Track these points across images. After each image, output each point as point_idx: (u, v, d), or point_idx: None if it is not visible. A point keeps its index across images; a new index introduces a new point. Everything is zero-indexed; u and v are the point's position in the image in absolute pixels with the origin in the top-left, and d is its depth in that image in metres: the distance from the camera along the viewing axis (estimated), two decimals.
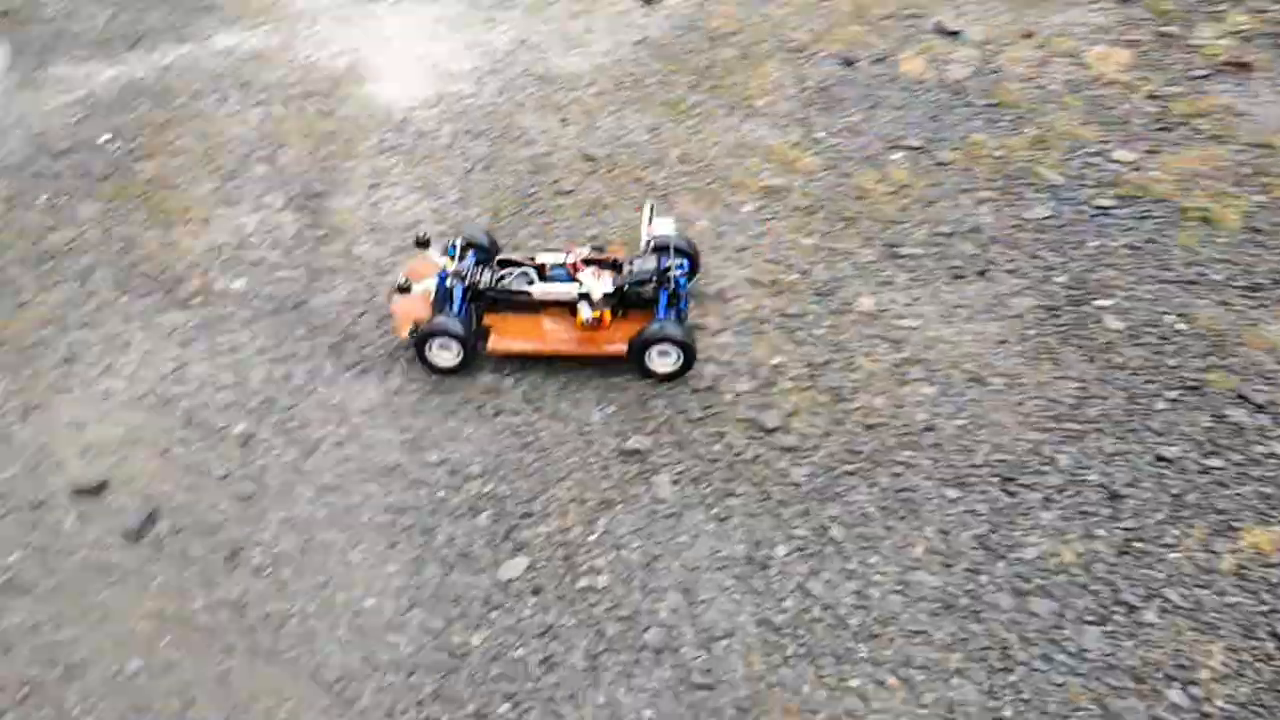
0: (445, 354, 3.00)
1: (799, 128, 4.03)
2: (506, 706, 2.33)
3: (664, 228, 3.13)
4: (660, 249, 3.06)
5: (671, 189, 3.75)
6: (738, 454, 2.85)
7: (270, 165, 3.86)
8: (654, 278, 2.99)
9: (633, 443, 2.87)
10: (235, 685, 2.37)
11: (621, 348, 2.98)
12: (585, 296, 2.98)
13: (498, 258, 3.17)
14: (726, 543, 2.64)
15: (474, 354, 3.03)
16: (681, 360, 2.95)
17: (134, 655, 2.41)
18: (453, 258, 3.10)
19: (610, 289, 2.98)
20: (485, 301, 3.13)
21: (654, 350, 2.93)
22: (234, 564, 2.60)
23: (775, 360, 3.10)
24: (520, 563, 2.61)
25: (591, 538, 2.66)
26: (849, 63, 4.38)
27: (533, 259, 3.14)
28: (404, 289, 3.00)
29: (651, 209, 3.24)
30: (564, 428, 2.94)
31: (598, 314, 2.98)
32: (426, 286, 3.09)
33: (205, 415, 2.96)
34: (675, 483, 2.78)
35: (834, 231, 3.55)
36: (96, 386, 3.04)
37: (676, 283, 3.03)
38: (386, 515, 2.72)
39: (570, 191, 3.76)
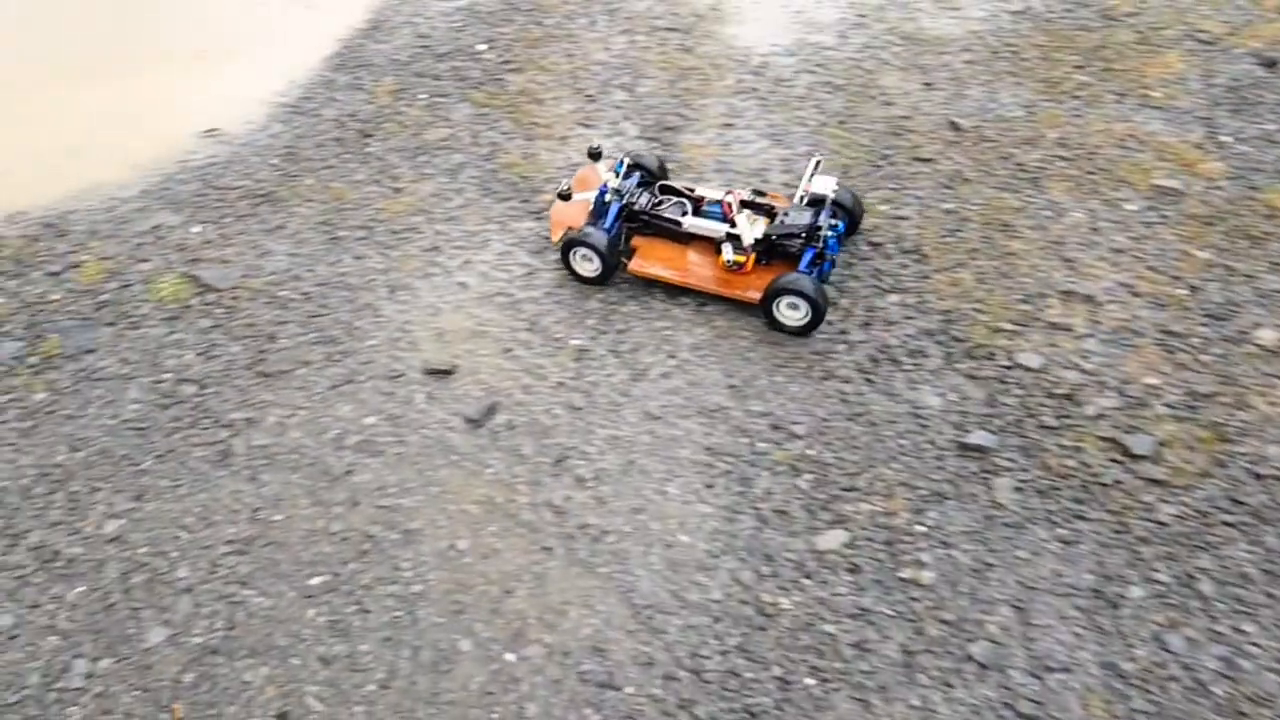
0: (587, 264, 3.06)
1: (1201, 127, 3.54)
2: (812, 681, 2.23)
3: (823, 185, 2.97)
4: (817, 205, 2.95)
5: (1045, 173, 3.42)
6: (1094, 475, 2.56)
7: (629, 93, 3.91)
8: (803, 234, 2.89)
9: (975, 438, 2.65)
10: (550, 587, 2.43)
11: (756, 295, 2.90)
12: (733, 238, 2.94)
13: (659, 183, 3.17)
14: (1072, 568, 2.38)
15: (614, 269, 3.06)
16: (810, 316, 2.84)
17: (463, 535, 2.54)
18: (618, 175, 3.11)
19: (759, 235, 2.91)
20: (638, 223, 3.13)
21: (784, 301, 2.84)
22: (559, 469, 2.67)
23: (1149, 380, 2.75)
24: (838, 536, 2.49)
25: (918, 528, 2.48)
26: (1270, 64, 3.79)
27: (692, 190, 3.10)
28: (564, 196, 3.06)
29: (816, 164, 3.07)
30: (897, 406, 2.77)
31: (740, 258, 2.93)
32: (587, 197, 3.14)
33: (547, 323, 3.05)
34: (1018, 490, 2.54)
35: (1235, 249, 3.09)
36: (454, 278, 3.22)
37: (825, 242, 2.89)
38: (705, 455, 2.69)
39: (929, 160, 3.52)
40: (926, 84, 3.87)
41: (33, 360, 2.95)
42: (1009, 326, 2.95)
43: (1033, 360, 2.85)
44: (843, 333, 2.96)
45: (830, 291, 3.07)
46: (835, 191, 3.01)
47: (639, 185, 3.16)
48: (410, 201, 3.50)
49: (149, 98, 4.00)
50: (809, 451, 2.67)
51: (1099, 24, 4.10)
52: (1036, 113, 3.68)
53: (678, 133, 3.72)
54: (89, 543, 2.51)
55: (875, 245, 3.23)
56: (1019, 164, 3.47)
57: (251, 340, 3.02)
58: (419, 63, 4.15)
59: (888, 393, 2.81)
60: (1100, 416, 2.68)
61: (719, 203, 3.06)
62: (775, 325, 2.95)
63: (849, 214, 3.12)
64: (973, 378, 2.81)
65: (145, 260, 3.28)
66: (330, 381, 2.91)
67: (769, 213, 3.03)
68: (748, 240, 2.94)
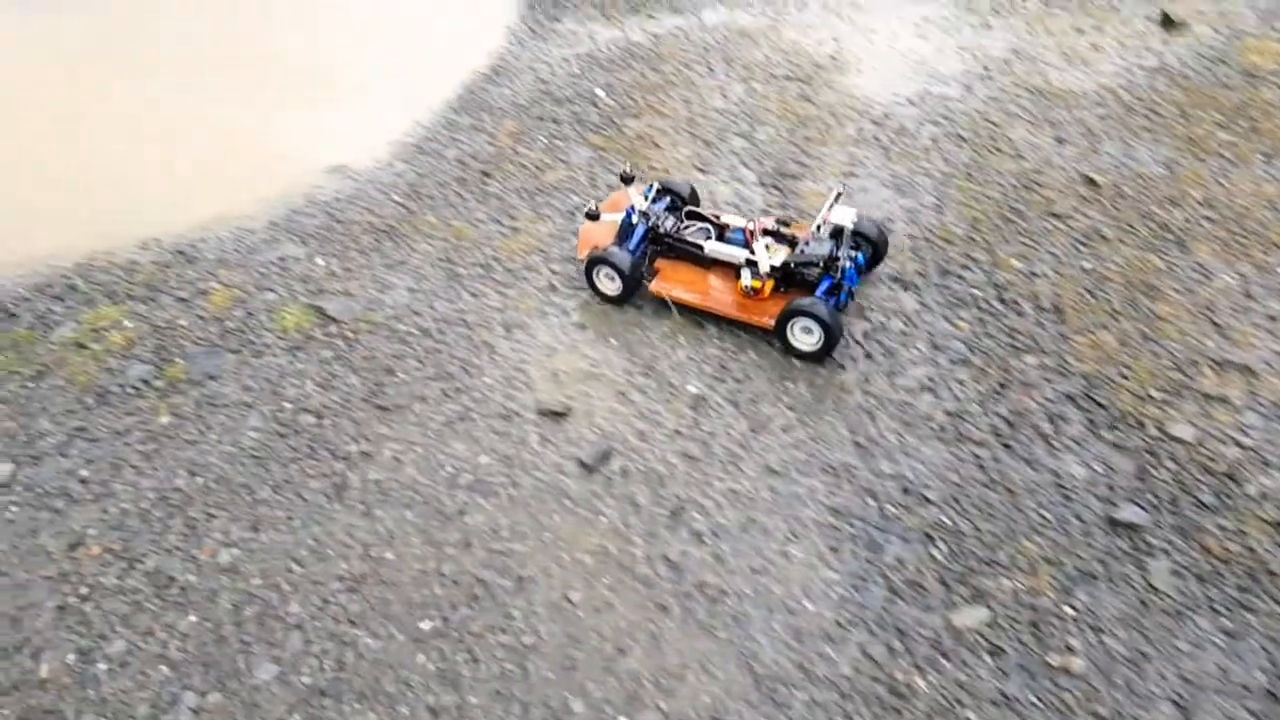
0: (610, 283, 3.10)
1: None
2: None
3: (843, 215, 2.93)
4: (837, 236, 2.94)
5: (1190, 233, 3.24)
6: (1261, 561, 2.35)
7: (747, 140, 3.86)
8: (820, 263, 2.89)
9: (1125, 514, 2.47)
10: (666, 648, 2.32)
11: (770, 320, 2.89)
12: (752, 264, 2.93)
13: (686, 209, 3.19)
14: (1241, 665, 2.17)
15: (635, 289, 3.09)
16: (823, 341, 2.81)
17: (576, 586, 2.45)
18: (648, 199, 3.14)
19: (777, 263, 2.91)
20: (663, 246, 3.16)
21: (797, 324, 2.81)
22: (676, 522, 2.57)
23: None
24: (978, 614, 2.32)
25: (1067, 610, 2.30)
26: None
27: (717, 217, 3.13)
28: (592, 216, 3.08)
29: (837, 196, 3.02)
30: (1038, 475, 2.60)
31: (758, 284, 2.93)
32: (615, 219, 3.16)
33: (662, 367, 2.98)
34: (1176, 574, 2.35)
35: None
36: (570, 318, 3.18)
37: (843, 272, 2.87)
38: (830, 516, 2.56)
39: (1063, 216, 3.37)
40: (1058, 138, 3.73)
41: (159, 384, 3.00)
42: (1158, 395, 2.76)
43: (1186, 432, 2.65)
44: (978, 393, 2.82)
45: (959, 348, 2.93)
46: (855, 222, 2.98)
47: (667, 210, 3.23)
48: (528, 241, 3.49)
49: (280, 134, 4.10)
50: (943, 519, 2.52)
51: (1241, 82, 3.91)
52: (1178, 171, 3.50)
53: (798, 180, 3.64)
54: (203, 571, 2.51)
55: (1008, 302, 3.08)
56: (1161, 223, 3.30)
57: (370, 373, 3.02)
58: (539, 107, 4.19)
59: (1027, 459, 2.64)
60: (1264, 497, 2.47)
61: (742, 230, 3.07)
62: (790, 350, 2.94)
63: (872, 245, 3.09)
64: (1120, 448, 2.63)
65: (271, 290, 3.32)
66: (445, 418, 2.88)
67: (791, 242, 3.04)
68: (764, 266, 2.94)
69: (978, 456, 2.66)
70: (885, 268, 3.22)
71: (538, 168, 3.84)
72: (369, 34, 4.85)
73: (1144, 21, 4.36)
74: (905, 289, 3.17)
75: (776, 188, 3.62)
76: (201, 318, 3.23)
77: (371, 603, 2.43)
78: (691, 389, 2.92)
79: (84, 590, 2.46)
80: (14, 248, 3.56)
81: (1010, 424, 2.73)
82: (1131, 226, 3.30)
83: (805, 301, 2.83)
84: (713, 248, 3.09)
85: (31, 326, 3.21)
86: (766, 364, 2.96)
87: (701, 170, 3.73)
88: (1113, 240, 3.26)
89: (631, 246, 3.13)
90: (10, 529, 2.61)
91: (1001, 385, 2.84)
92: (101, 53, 4.77)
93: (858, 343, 3.00)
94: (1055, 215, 3.38)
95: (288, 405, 2.93)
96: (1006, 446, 2.68)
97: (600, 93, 4.22)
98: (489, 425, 2.86)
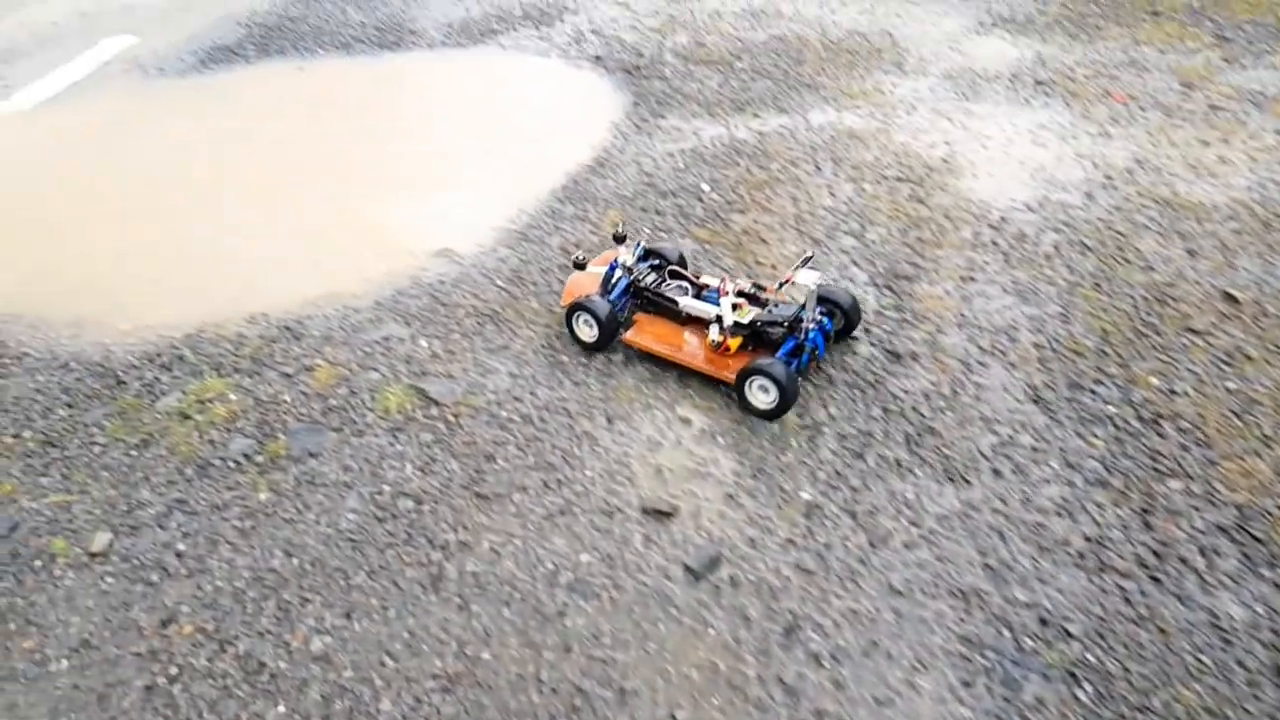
0: (587, 329, 3.22)
1: None
2: None
3: (807, 278, 2.97)
4: (809, 299, 3.01)
5: None
6: None
7: (857, 240, 3.78)
8: (785, 324, 2.96)
9: None
10: None
11: (732, 375, 2.96)
12: (720, 319, 3.01)
13: (670, 268, 3.32)
14: None
15: (611, 337, 3.20)
16: (778, 401, 2.86)
17: (683, 704, 2.28)
18: (635, 256, 3.32)
19: (744, 321, 3.00)
20: (643, 300, 3.29)
21: (755, 382, 2.87)
22: (790, 640, 2.39)
23: None
24: None
25: None
26: None
27: (697, 277, 3.25)
28: (579, 265, 3.27)
29: (805, 260, 3.07)
30: (1192, 614, 2.37)
31: (722, 338, 3.02)
32: (602, 271, 3.34)
33: (773, 470, 2.84)
34: None
35: None
36: (675, 411, 3.07)
37: (806, 334, 2.93)
38: (961, 645, 2.35)
39: (1201, 333, 3.18)
40: (1189, 251, 3.57)
41: (260, 459, 2.96)
42: None
43: None
44: (1119, 517, 2.61)
45: (1095, 467, 2.74)
46: (818, 285, 3.03)
47: (652, 268, 3.38)
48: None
49: (389, 219, 4.17)
50: (1087, 656, 2.30)
51: None
52: None
53: (912, 282, 3.53)
54: (295, 659, 2.40)
55: (1147, 421, 2.88)
56: None
57: (470, 459, 2.94)
58: (643, 199, 4.19)
59: (1178, 595, 2.41)
60: None
61: (715, 290, 3.20)
62: (746, 408, 3.00)
63: (844, 314, 3.16)
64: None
65: (374, 369, 3.30)
66: (545, 510, 2.77)
67: (762, 304, 3.13)
68: (728, 321, 3.04)
69: (1122, 588, 2.44)
70: (1007, 377, 3.07)
71: None
72: (478, 127, 4.96)
73: (1274, 136, 4.21)
74: (1034, 402, 3.00)
75: (890, 288, 3.51)
76: (305, 394, 3.22)
77: (466, 705, 2.28)
78: (805, 495, 2.77)
79: (173, 670, 2.37)
80: (129, 315, 3.63)
81: (1157, 555, 2.51)
82: (1278, 347, 3.10)
83: (764, 361, 2.92)
84: (686, 303, 3.22)
85: (139, 395, 3.23)
86: (886, 472, 2.80)
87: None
88: (1258, 360, 3.06)
89: (612, 297, 3.29)
90: (104, 600, 2.55)
91: (1145, 511, 2.63)
92: (231, 137, 4.97)
93: (984, 457, 2.83)
94: (1193, 331, 3.20)
95: (387, 488, 2.86)
96: (1154, 579, 2.45)
97: (705, 187, 4.21)
98: (590, 521, 2.74)
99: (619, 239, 3.36)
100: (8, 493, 2.86)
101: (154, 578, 2.60)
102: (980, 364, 3.16)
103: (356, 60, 5.83)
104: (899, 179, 4.13)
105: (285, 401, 3.18)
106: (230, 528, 2.74)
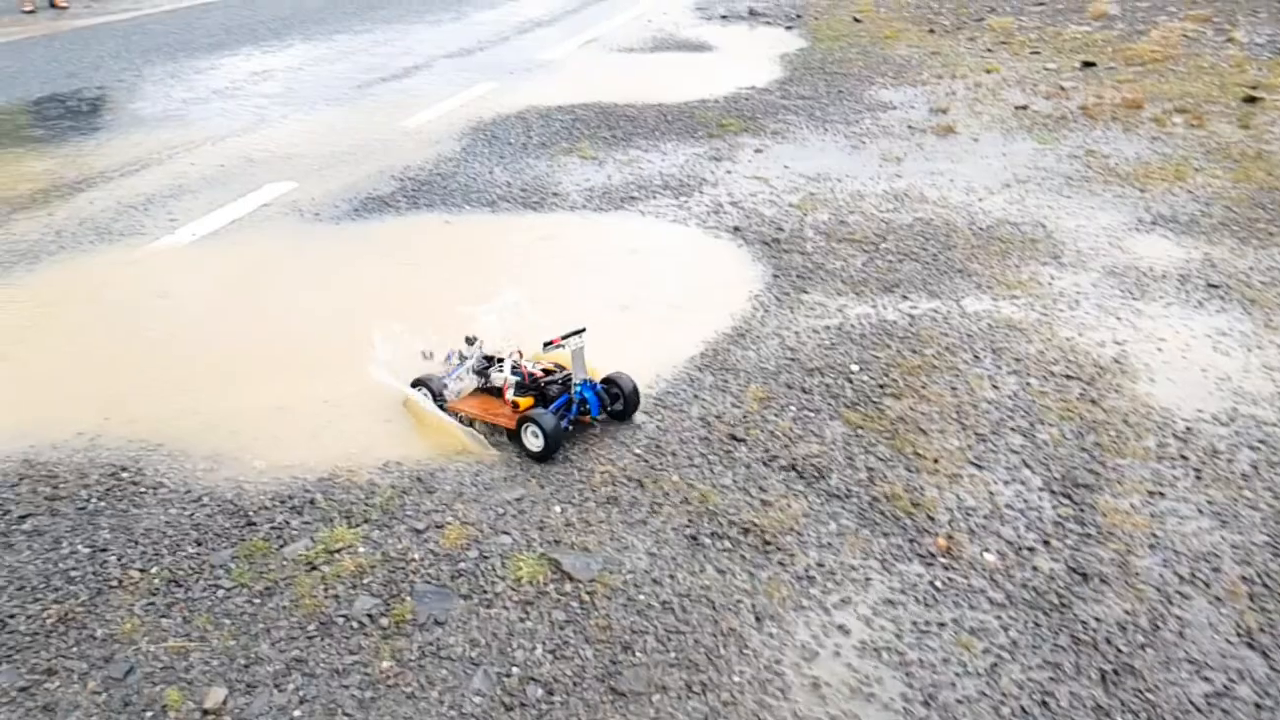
0: (426, 400, 3.64)
1: None
2: None
3: (570, 343, 3.59)
4: (574, 360, 3.61)
5: None
6: None
7: (1026, 439, 3.52)
8: (561, 382, 3.65)
9: None
10: None
11: (511, 424, 3.56)
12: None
13: (487, 354, 3.85)
14: None
15: (442, 405, 3.61)
16: (544, 446, 3.43)
17: None
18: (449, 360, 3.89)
19: (524, 384, 3.70)
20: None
21: (529, 429, 3.46)
22: None
23: None
24: None
25: None
26: None
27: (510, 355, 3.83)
28: (427, 357, 3.95)
29: (576, 332, 3.63)
30: None
31: (515, 399, 3.63)
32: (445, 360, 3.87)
33: (949, 700, 2.50)
34: None
35: None
36: (832, 617, 2.79)
37: (576, 390, 3.58)
38: None
39: None
40: None
41: (384, 622, 2.78)
42: None
43: None
44: None
45: (1275, 713, 2.32)
46: (581, 349, 3.61)
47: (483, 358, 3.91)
48: (779, 519, 3.19)
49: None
50: None
51: None
52: None
53: (1093, 492, 3.23)
54: None
55: None
56: None
57: (606, 646, 2.69)
58: (787, 374, 4.04)
59: None
60: None
61: (517, 367, 3.77)
62: (523, 449, 3.45)
63: (625, 398, 3.66)
64: None
65: (506, 533, 3.13)
66: (688, 718, 2.48)
67: (549, 372, 3.72)
68: (512, 389, 3.69)
69: None
70: (1214, 613, 2.69)
71: (788, 438, 3.61)
72: (615, 289, 4.96)
73: None
74: (1249, 647, 2.61)
75: (1069, 497, 3.21)
76: (434, 553, 3.05)
77: None
78: None
79: None
80: (264, 454, 3.59)
81: None
82: None
83: (535, 412, 3.37)
84: (495, 377, 3.75)
85: (267, 538, 3.13)
86: (1079, 715, 2.43)
87: (977, 465, 3.39)
88: None
89: (450, 374, 3.86)
90: None
91: None
92: (378, 283, 5.09)
93: (1198, 709, 2.44)
94: None
95: (515, 670, 2.62)
96: None
97: (854, 368, 4.04)
98: None
99: (470, 341, 3.89)
100: (127, 632, 2.73)
101: None
102: (1181, 595, 2.80)
103: (500, 217, 6.01)
104: (1067, 376, 3.88)
105: (414, 560, 3.02)
106: (349, 697, 2.53)
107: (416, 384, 3.80)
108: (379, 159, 7.17)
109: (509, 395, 3.74)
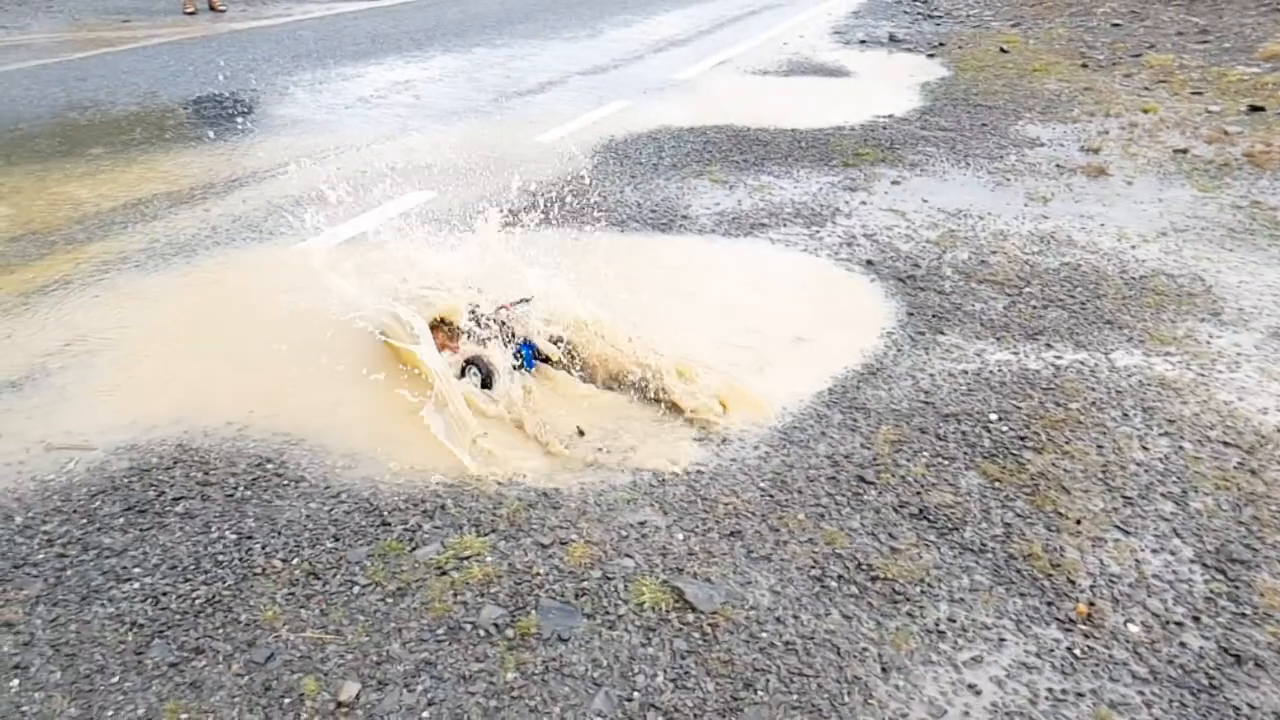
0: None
1: None
2: None
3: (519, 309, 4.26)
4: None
5: None
6: None
7: (1177, 506, 3.33)
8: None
9: None
10: None
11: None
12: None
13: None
14: None
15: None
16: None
17: None
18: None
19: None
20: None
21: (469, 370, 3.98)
22: None
23: None
24: None
25: None
26: None
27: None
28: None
29: (522, 300, 4.23)
30: None
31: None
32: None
33: None
34: None
35: None
36: (962, 675, 2.69)
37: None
38: None
39: None
40: None
41: (510, 633, 2.82)
42: None
43: None
44: None
45: None
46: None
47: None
48: (909, 568, 3.10)
49: (638, 401, 4.13)
50: None
51: None
52: None
53: (1250, 569, 3.03)
54: None
55: None
56: None
57: (727, 681, 2.67)
58: (920, 417, 3.93)
59: None
60: None
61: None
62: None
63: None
64: None
65: (629, 556, 3.15)
66: None
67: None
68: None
69: None
70: None
71: (920, 485, 3.51)
72: (743, 317, 4.93)
73: None
74: None
75: (1222, 572, 3.01)
76: (559, 569, 3.09)
77: None
78: None
79: None
80: (398, 456, 3.71)
81: None
82: None
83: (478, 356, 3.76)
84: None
85: (400, 539, 3.22)
86: None
87: (1123, 530, 3.22)
88: None
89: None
90: None
91: None
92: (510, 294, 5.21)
93: None
94: None
95: (636, 695, 2.62)
96: None
97: (994, 417, 3.90)
98: None
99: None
100: (269, 619, 2.86)
101: None
102: None
103: (629, 237, 6.07)
104: (1224, 443, 3.66)
105: (539, 574, 3.06)
106: (475, 705, 2.58)
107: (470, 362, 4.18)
108: (513, 172, 7.34)
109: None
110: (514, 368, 4.20)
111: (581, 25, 14.23)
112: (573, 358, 4.27)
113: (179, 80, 10.33)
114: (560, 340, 4.28)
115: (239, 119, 8.99)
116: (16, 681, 2.65)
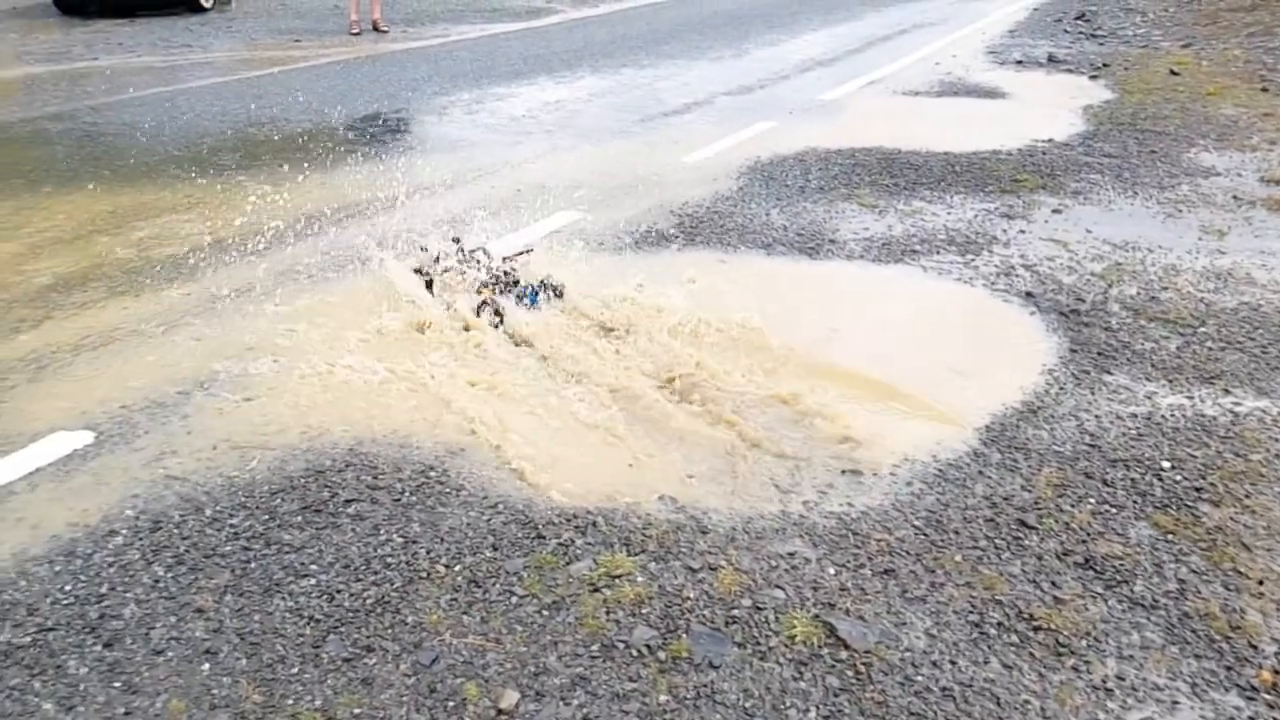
0: None
1: None
2: None
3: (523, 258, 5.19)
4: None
5: None
6: None
7: None
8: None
9: None
10: None
11: None
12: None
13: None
14: None
15: None
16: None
17: None
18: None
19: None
20: None
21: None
22: None
23: None
24: None
25: None
26: None
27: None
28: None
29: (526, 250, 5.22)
30: None
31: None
32: None
33: None
34: None
35: None
36: None
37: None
38: None
39: None
40: None
41: (661, 655, 2.87)
42: None
43: None
44: None
45: None
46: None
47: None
48: (1074, 620, 2.98)
49: (801, 432, 4.11)
50: None
51: None
52: None
53: None
54: None
55: None
56: None
57: None
58: (1085, 461, 3.76)
59: None
60: None
61: None
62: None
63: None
64: None
65: (779, 588, 3.14)
66: None
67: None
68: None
69: None
70: None
71: (1086, 533, 3.36)
72: (894, 348, 4.84)
73: None
74: None
75: None
76: (709, 595, 3.12)
77: None
78: None
79: None
80: (550, 470, 3.82)
81: None
82: None
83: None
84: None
85: (555, 553, 3.32)
86: None
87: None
88: None
89: None
90: None
91: None
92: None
93: None
94: None
95: None
96: None
97: (1166, 465, 3.70)
98: None
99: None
100: (434, 623, 3.00)
101: None
102: None
103: (775, 261, 6.05)
104: None
105: (689, 598, 3.10)
106: None
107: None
108: (659, 193, 7.44)
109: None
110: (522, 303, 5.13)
111: (727, 45, 14.31)
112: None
113: (347, 99, 10.97)
114: (557, 287, 5.21)
115: (400, 137, 9.47)
116: (207, 666, 2.87)
